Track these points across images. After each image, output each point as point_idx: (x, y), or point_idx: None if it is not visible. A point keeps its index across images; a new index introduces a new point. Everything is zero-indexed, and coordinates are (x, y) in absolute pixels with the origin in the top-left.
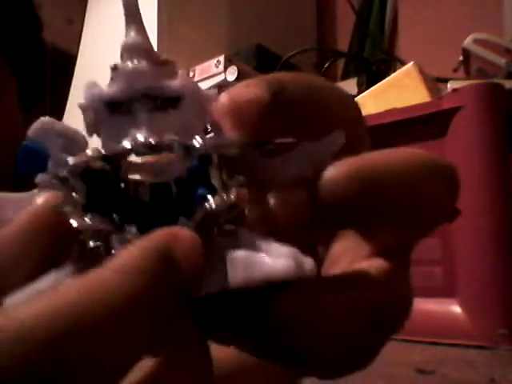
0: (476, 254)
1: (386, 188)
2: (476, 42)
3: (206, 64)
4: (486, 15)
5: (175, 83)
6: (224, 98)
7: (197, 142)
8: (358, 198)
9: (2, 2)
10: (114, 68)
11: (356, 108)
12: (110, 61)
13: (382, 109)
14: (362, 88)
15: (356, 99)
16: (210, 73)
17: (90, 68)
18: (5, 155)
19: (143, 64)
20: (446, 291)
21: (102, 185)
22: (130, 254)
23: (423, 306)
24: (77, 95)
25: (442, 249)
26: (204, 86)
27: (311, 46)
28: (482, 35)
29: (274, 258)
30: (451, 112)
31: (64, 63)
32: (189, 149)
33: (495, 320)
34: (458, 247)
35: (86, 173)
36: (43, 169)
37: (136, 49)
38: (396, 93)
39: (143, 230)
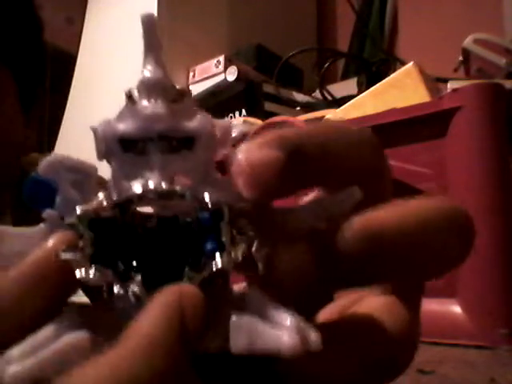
0: (476, 254)
1: (396, 249)
2: (476, 42)
3: (205, 64)
4: (486, 15)
5: (192, 124)
6: (238, 159)
7: (208, 195)
8: (367, 257)
9: (3, 6)
10: (129, 96)
11: (377, 152)
12: (110, 61)
13: (381, 109)
14: (361, 88)
15: (356, 99)
16: (210, 73)
17: (90, 68)
18: (5, 156)
19: (160, 104)
20: (446, 291)
21: (110, 233)
22: (145, 325)
23: (423, 305)
24: (77, 95)
25: None
26: (204, 86)
27: (311, 46)
28: (482, 35)
29: (280, 331)
30: (451, 112)
31: (64, 63)
32: (199, 201)
33: (495, 320)
34: None
35: (95, 221)
36: (51, 203)
37: (154, 86)
38: (396, 93)
39: (148, 278)
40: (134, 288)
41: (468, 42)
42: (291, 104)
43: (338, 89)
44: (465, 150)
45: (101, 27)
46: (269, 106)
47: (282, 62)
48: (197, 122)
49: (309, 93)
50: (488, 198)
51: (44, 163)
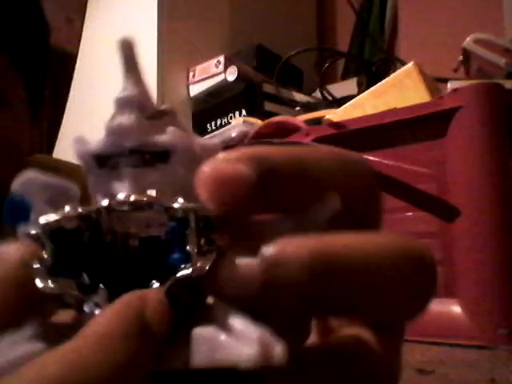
0: (476, 254)
1: (343, 280)
2: (476, 42)
3: (205, 64)
4: (486, 15)
5: (163, 138)
6: (206, 169)
7: (177, 203)
8: (310, 284)
9: (13, 13)
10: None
11: (365, 177)
12: (110, 61)
13: (381, 109)
14: (361, 88)
15: (356, 99)
16: (210, 73)
17: (90, 68)
18: (16, 160)
19: (133, 119)
20: (446, 291)
21: (74, 244)
22: (103, 321)
23: None
24: (77, 95)
25: (442, 249)
26: (204, 86)
27: (311, 46)
28: (482, 35)
29: (241, 343)
30: (451, 112)
31: (64, 63)
32: (167, 210)
33: (495, 320)
34: (458, 247)
35: (59, 232)
36: (25, 220)
37: (127, 102)
38: (396, 93)
39: (113, 291)
40: (98, 300)
41: (468, 42)
42: (291, 104)
43: (338, 89)
44: (465, 150)
45: (101, 27)
46: (269, 106)
47: (282, 62)
48: (169, 135)
49: (309, 93)
50: (488, 197)
51: (16, 182)
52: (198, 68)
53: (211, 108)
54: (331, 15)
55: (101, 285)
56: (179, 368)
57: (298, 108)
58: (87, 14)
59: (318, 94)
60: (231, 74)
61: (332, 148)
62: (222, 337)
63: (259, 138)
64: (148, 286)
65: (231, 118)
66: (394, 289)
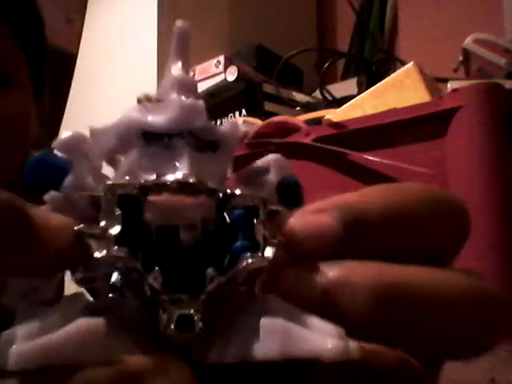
0: (476, 254)
1: (405, 312)
2: (476, 42)
3: (205, 64)
4: (486, 15)
5: (223, 129)
6: (295, 223)
7: (243, 191)
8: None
9: None
10: (148, 99)
11: (458, 218)
12: (110, 61)
13: (381, 109)
14: (361, 88)
15: (356, 99)
16: (210, 73)
17: (90, 68)
18: (19, 141)
19: (200, 101)
20: None
21: (136, 216)
22: None
23: None
24: (77, 95)
25: None
26: (204, 86)
27: (311, 46)
28: (482, 35)
29: (321, 336)
30: (451, 112)
31: (64, 63)
32: (230, 197)
33: None
34: None
35: (123, 198)
36: (56, 186)
37: (186, 85)
38: (396, 93)
39: (167, 273)
40: (153, 281)
41: (468, 42)
42: (291, 104)
43: (338, 89)
44: (465, 150)
45: (101, 27)
46: (269, 106)
47: (282, 62)
48: (228, 127)
49: (309, 93)
50: (488, 197)
51: (63, 138)
52: (198, 68)
53: (211, 108)
54: (331, 15)
55: (156, 267)
56: (233, 362)
57: (298, 108)
58: (87, 14)
59: (318, 94)
60: (231, 74)
61: (422, 188)
62: (298, 328)
63: (259, 137)
64: (203, 271)
65: (231, 117)
66: (460, 330)
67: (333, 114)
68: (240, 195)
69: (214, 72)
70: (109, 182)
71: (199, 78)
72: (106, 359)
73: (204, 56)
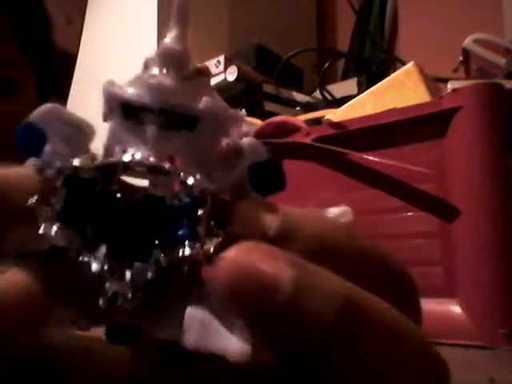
0: (476, 254)
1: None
2: (476, 42)
3: (205, 64)
4: (486, 15)
5: (198, 105)
6: (230, 266)
7: (195, 179)
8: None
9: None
10: (146, 67)
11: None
12: (110, 61)
13: (381, 109)
14: (361, 88)
15: (356, 99)
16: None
17: (90, 68)
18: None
19: (170, 77)
20: (446, 291)
21: (85, 195)
22: None
23: (423, 306)
24: (77, 95)
25: (442, 249)
26: None
27: (311, 46)
28: (482, 35)
29: (234, 336)
30: (451, 112)
31: (64, 63)
32: (183, 183)
33: (495, 320)
34: (458, 247)
35: (73, 179)
36: (37, 152)
37: (169, 57)
38: (396, 93)
39: (115, 250)
40: (97, 255)
41: (468, 42)
42: (291, 104)
43: (338, 89)
44: (465, 150)
45: (101, 27)
46: (269, 106)
47: (282, 62)
48: (204, 103)
49: (309, 93)
50: (488, 197)
51: (39, 110)
52: None
53: None
54: (331, 15)
55: (103, 242)
56: (169, 340)
57: (298, 108)
58: (87, 14)
59: (318, 94)
60: (231, 74)
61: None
62: (216, 324)
63: (259, 137)
64: (149, 248)
65: None
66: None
67: (333, 114)
68: (187, 183)
69: (213, 72)
70: (58, 164)
71: None
72: None
73: (204, 56)
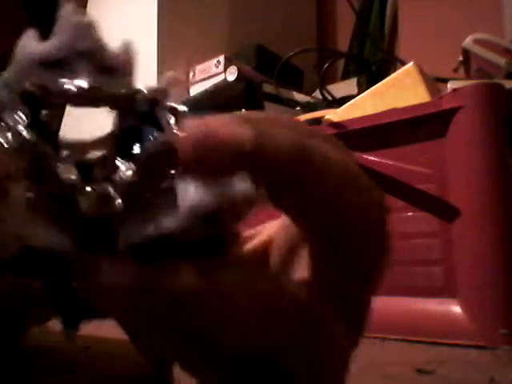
0: (476, 254)
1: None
2: (476, 42)
3: (205, 64)
4: (486, 15)
5: (115, 52)
6: (196, 129)
7: (142, 89)
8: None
9: None
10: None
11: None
12: None
13: (381, 109)
14: (361, 88)
15: (356, 99)
16: (210, 73)
17: None
18: None
19: (86, 21)
20: (446, 291)
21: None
22: None
23: (423, 305)
24: None
25: (442, 249)
26: (204, 86)
27: (311, 46)
28: (482, 35)
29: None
30: (451, 112)
31: None
32: (136, 93)
33: (495, 320)
34: (458, 247)
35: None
36: None
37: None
38: (396, 93)
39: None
40: (64, 170)
41: (468, 42)
42: (291, 104)
43: (337, 89)
44: (465, 150)
45: (101, 27)
46: (269, 106)
47: (282, 62)
48: (121, 50)
49: (309, 93)
50: (488, 197)
51: None
52: (198, 68)
53: (211, 108)
54: (331, 15)
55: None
56: (154, 234)
57: (298, 108)
58: (87, 15)
59: (318, 94)
60: (231, 74)
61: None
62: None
63: None
64: (130, 148)
65: None
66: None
67: (333, 114)
68: (139, 91)
69: (214, 72)
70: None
71: (199, 78)
72: None
73: (204, 56)
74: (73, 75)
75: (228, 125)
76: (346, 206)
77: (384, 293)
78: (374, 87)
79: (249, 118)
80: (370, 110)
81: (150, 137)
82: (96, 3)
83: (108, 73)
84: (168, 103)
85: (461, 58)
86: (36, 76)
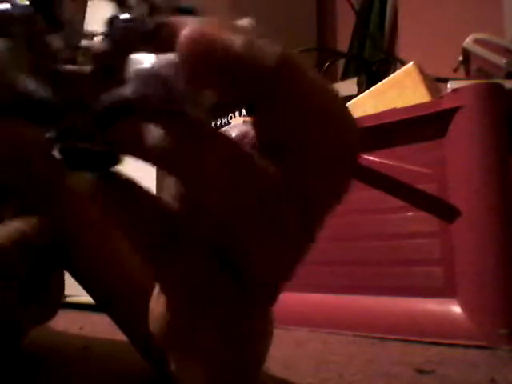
0: (476, 254)
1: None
2: (476, 42)
3: None
4: (486, 15)
5: None
6: (194, 23)
7: None
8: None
9: None
10: None
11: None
12: None
13: (381, 109)
14: (361, 88)
15: (356, 99)
16: None
17: None
18: None
19: None
20: (446, 291)
21: None
22: None
23: (423, 305)
24: None
25: (442, 249)
26: None
27: (311, 46)
28: (482, 35)
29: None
30: (451, 112)
31: None
32: None
33: (495, 320)
34: (458, 247)
35: None
36: None
37: None
38: (396, 93)
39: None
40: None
41: (468, 42)
42: None
43: (337, 89)
44: (465, 150)
45: (101, 27)
46: None
47: None
48: None
49: None
50: (488, 197)
51: None
52: None
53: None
54: (331, 15)
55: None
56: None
57: None
58: (88, 16)
59: None
60: None
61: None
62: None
63: None
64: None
65: (231, 117)
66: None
67: None
68: None
69: None
70: None
71: None
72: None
73: None
74: None
75: (221, 29)
76: (322, 125)
77: (384, 293)
78: (373, 87)
79: (239, 27)
80: (370, 110)
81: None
82: (97, 4)
83: None
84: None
85: (461, 58)
86: None
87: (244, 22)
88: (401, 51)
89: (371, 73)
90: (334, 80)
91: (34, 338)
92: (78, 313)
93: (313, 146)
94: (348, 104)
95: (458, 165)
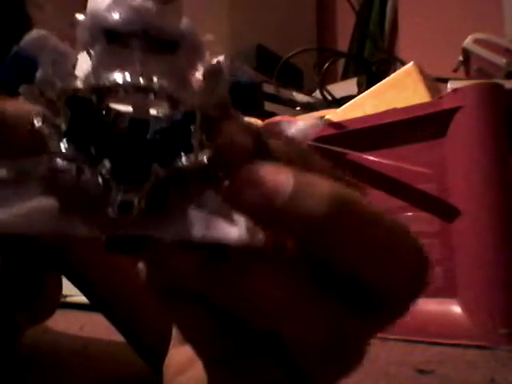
0: (476, 254)
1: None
2: (476, 42)
3: None
4: (486, 15)
5: (177, 28)
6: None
7: (185, 95)
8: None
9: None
10: None
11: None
12: None
13: (381, 109)
14: (361, 88)
15: (356, 99)
16: None
17: None
18: None
19: (152, 2)
20: (446, 291)
21: (85, 114)
22: None
23: (423, 305)
24: None
25: (442, 249)
26: None
27: (311, 46)
28: (482, 35)
29: (231, 225)
30: (451, 112)
31: None
32: (174, 101)
33: (495, 320)
34: (458, 247)
35: (72, 99)
36: (30, 79)
37: None
38: (396, 93)
39: (118, 166)
40: (103, 171)
41: (468, 42)
42: (291, 104)
43: (337, 89)
44: (465, 150)
45: None
46: (269, 106)
47: (282, 62)
48: (184, 25)
49: (309, 93)
50: (488, 197)
51: (29, 37)
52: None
53: None
54: (331, 15)
55: (106, 159)
56: (172, 239)
57: (298, 108)
58: None
59: (317, 94)
60: None
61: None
62: (217, 218)
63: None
64: (149, 168)
65: None
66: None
67: (333, 114)
68: (178, 99)
69: None
70: (58, 85)
71: None
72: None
73: None
74: (128, 51)
75: (273, 172)
76: (391, 258)
77: None
78: (373, 87)
79: (290, 157)
80: (369, 110)
81: (178, 151)
82: None
83: (168, 48)
84: (206, 115)
85: (461, 58)
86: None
87: (208, 37)
88: (401, 51)
89: (371, 73)
90: (334, 80)
91: (34, 337)
92: (78, 313)
93: (381, 279)
94: (348, 104)
95: (457, 165)
